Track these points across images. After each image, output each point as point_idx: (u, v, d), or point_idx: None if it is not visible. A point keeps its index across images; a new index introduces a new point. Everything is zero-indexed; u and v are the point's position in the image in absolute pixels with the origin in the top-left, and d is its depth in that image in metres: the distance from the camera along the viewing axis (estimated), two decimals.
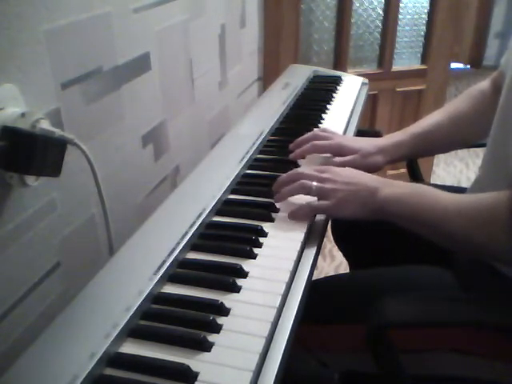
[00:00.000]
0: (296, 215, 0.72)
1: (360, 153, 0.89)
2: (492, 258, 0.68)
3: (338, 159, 0.90)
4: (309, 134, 0.93)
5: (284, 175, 0.77)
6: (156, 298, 0.58)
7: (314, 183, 0.73)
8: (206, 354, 0.51)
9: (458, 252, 0.79)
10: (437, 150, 1.04)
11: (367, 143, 0.91)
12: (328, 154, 0.92)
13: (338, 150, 0.90)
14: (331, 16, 1.91)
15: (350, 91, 1.26)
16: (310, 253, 0.68)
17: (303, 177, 0.75)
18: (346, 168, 0.78)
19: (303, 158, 0.91)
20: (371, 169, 0.91)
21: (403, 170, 1.25)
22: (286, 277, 0.61)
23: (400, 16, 1.97)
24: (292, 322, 0.56)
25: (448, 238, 0.67)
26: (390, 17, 1.95)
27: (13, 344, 0.69)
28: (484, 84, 0.96)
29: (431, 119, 0.96)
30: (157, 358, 0.50)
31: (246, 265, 0.63)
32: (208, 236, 0.70)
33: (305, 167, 0.80)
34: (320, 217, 0.75)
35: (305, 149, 0.90)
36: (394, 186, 0.71)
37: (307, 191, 0.73)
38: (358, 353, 0.73)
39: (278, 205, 0.76)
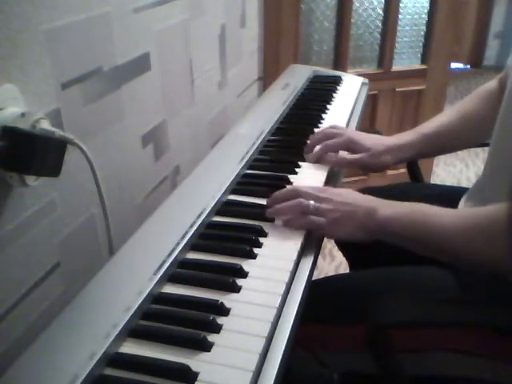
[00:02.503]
0: (291, 224, 0.71)
1: (370, 152, 0.90)
2: (494, 272, 0.68)
3: (347, 157, 0.90)
4: (319, 135, 0.93)
5: (280, 191, 0.75)
6: (156, 298, 0.58)
7: (312, 202, 0.71)
8: (206, 354, 0.51)
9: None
10: (446, 149, 1.04)
11: (377, 142, 0.92)
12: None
13: (349, 146, 0.91)
14: (331, 16, 1.92)
15: (349, 91, 1.26)
16: (310, 253, 0.68)
17: (300, 195, 0.73)
18: (344, 189, 0.77)
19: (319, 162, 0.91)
20: (379, 168, 0.91)
21: (403, 170, 1.25)
22: (286, 277, 0.61)
23: (400, 16, 1.98)
24: (292, 322, 0.56)
25: (450, 254, 0.67)
26: (390, 17, 1.95)
27: (13, 344, 0.69)
28: (492, 83, 0.96)
29: (441, 119, 0.96)
30: (157, 358, 0.50)
31: (246, 265, 0.63)
32: (208, 236, 0.70)
33: (301, 184, 0.78)
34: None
35: (319, 153, 0.90)
36: (392, 206, 0.71)
37: (304, 209, 0.71)
38: (358, 353, 0.73)
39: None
